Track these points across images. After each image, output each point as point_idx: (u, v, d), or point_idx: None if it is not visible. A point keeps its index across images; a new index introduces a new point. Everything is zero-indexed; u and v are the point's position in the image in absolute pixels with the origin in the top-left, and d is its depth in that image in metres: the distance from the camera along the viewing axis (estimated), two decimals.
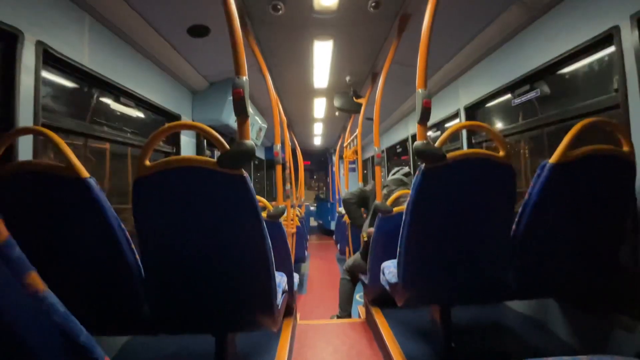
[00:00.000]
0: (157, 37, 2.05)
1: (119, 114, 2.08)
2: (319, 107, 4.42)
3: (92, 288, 1.12)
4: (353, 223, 2.69)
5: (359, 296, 3.28)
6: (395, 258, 1.37)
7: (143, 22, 1.87)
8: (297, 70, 3.10)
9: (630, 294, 1.26)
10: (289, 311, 2.07)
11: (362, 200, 2.65)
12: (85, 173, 0.97)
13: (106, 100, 1.95)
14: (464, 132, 2.59)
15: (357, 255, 2.62)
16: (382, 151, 5.34)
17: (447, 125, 3.05)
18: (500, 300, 1.98)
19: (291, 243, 2.86)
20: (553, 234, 1.26)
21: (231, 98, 1.08)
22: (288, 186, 3.36)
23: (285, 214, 2.44)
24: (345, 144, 5.03)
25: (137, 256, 1.10)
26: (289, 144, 3.20)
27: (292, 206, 3.95)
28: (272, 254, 1.12)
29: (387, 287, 1.58)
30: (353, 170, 7.20)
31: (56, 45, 1.40)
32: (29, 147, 1.25)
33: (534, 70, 1.78)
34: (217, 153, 1.00)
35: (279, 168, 2.13)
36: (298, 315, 2.72)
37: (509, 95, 2.14)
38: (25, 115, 1.23)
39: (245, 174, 0.99)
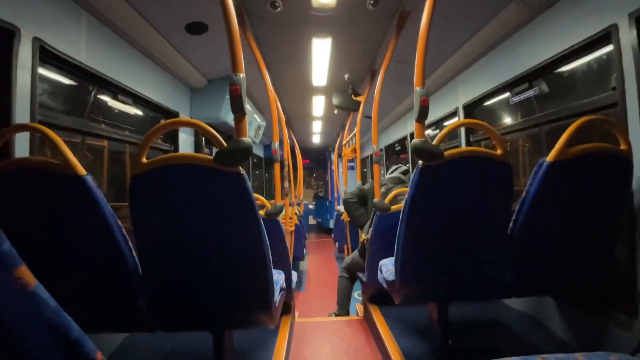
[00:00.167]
0: (155, 34, 2.04)
1: (116, 111, 2.08)
2: (318, 105, 4.42)
3: (89, 285, 1.13)
4: (355, 223, 2.70)
5: (357, 294, 3.29)
6: (393, 256, 1.38)
7: (141, 19, 1.86)
8: (296, 68, 3.09)
9: (626, 292, 1.26)
10: (287, 309, 2.08)
11: (362, 199, 2.66)
12: (82, 170, 0.97)
13: (104, 97, 1.95)
14: (463, 130, 2.59)
15: (356, 253, 2.63)
16: (381, 149, 5.34)
17: (446, 123, 3.06)
18: (497, 298, 1.99)
19: (290, 241, 2.86)
20: (550, 231, 1.26)
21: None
22: (286, 184, 3.36)
23: (283, 212, 2.44)
24: (344, 142, 5.02)
25: (135, 253, 1.10)
26: (287, 142, 3.19)
27: (291, 204, 3.96)
28: (270, 251, 1.12)
29: (385, 285, 1.59)
30: (352, 168, 7.20)
31: (53, 42, 1.39)
32: (25, 145, 1.25)
33: (533, 69, 1.78)
34: (215, 150, 1.00)
35: (277, 166, 2.13)
36: (296, 313, 2.73)
37: (507, 94, 2.14)
38: (21, 112, 1.23)
39: (243, 171, 0.99)
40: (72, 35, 1.52)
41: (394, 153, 5.12)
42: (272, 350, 1.68)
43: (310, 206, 9.25)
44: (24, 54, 1.25)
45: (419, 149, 1.14)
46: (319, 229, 9.24)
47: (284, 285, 1.53)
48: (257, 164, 6.37)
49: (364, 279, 2.26)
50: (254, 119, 3.92)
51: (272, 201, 1.95)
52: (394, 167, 2.63)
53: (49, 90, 1.55)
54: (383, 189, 2.35)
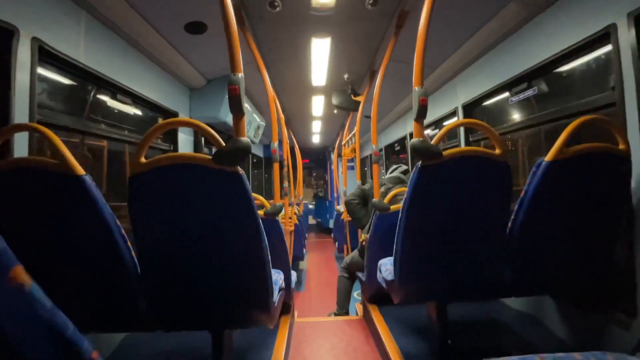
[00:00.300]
0: (154, 34, 2.04)
1: (116, 111, 2.08)
2: (317, 104, 4.42)
3: (88, 285, 1.12)
4: (358, 223, 2.69)
5: (357, 294, 3.29)
6: (392, 256, 1.38)
7: (140, 18, 1.86)
8: (295, 68, 3.09)
9: (625, 291, 1.26)
10: (287, 308, 2.08)
11: (363, 200, 2.65)
12: (80, 170, 0.97)
13: (103, 97, 1.95)
14: (462, 130, 2.59)
15: (355, 252, 2.63)
16: (380, 149, 5.34)
17: (445, 123, 3.06)
18: (496, 297, 1.99)
19: (289, 241, 2.86)
20: (549, 231, 1.27)
21: None
22: (286, 184, 3.36)
23: (283, 212, 2.44)
24: (343, 142, 5.02)
25: (134, 253, 1.10)
26: (287, 141, 3.19)
27: (290, 204, 3.95)
28: (269, 251, 1.12)
29: (384, 285, 1.59)
30: (352, 168, 7.20)
31: (52, 42, 1.39)
32: (24, 144, 1.25)
33: (532, 68, 1.78)
34: (214, 150, 1.00)
35: (276, 166, 2.13)
36: (296, 313, 2.73)
37: (507, 94, 2.14)
38: (20, 112, 1.23)
39: (241, 171, 0.99)
40: (71, 35, 1.52)
41: (394, 153, 5.12)
42: (271, 350, 1.68)
43: (310, 206, 9.26)
44: (23, 54, 1.25)
45: (418, 148, 1.14)
46: (318, 228, 9.25)
47: (283, 285, 1.53)
48: (256, 164, 6.37)
49: (363, 279, 2.26)
50: (253, 119, 3.92)
51: (271, 201, 1.94)
52: (395, 166, 2.62)
53: (48, 90, 1.55)
54: (382, 189, 2.34)
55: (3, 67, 1.19)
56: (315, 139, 7.38)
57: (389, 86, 3.06)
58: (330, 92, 3.57)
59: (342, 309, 2.72)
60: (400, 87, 3.32)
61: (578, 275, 1.35)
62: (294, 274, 1.93)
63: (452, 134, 2.83)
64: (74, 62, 1.53)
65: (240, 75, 1.06)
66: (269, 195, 6.24)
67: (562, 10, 1.57)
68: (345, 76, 3.23)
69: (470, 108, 2.53)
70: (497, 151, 1.20)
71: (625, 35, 1.26)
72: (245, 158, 1.07)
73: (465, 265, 1.31)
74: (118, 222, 1.05)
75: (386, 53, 2.09)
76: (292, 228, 3.60)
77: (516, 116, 2.15)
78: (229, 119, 2.92)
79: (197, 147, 3.01)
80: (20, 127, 1.16)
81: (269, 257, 1.12)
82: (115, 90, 1.94)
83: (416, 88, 1.22)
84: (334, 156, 6.37)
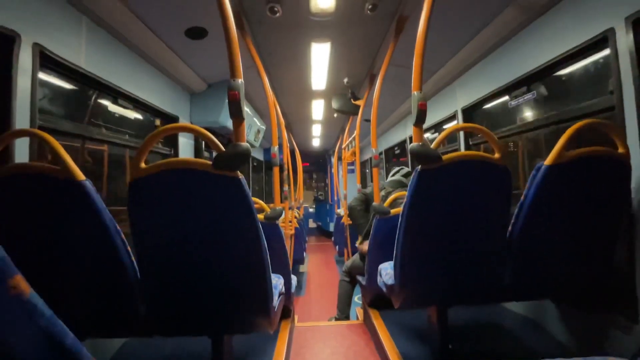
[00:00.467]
0: (155, 39, 2.05)
1: (117, 116, 2.08)
2: (317, 108, 4.43)
3: (88, 290, 1.12)
4: (358, 229, 2.67)
5: (357, 298, 3.28)
6: (392, 260, 1.38)
7: (141, 24, 1.87)
8: (295, 72, 3.11)
9: (626, 295, 1.26)
10: (287, 313, 2.07)
11: (366, 204, 2.63)
12: (81, 175, 0.97)
13: (104, 102, 1.95)
14: (462, 134, 2.59)
15: (356, 256, 2.62)
16: (380, 153, 5.35)
17: (444, 127, 3.06)
18: (496, 301, 1.98)
19: (289, 245, 2.86)
20: (549, 235, 1.26)
21: None
22: (286, 187, 3.36)
23: (283, 216, 2.43)
24: (343, 146, 5.03)
25: (133, 258, 1.10)
26: (287, 145, 3.20)
27: (291, 208, 3.95)
28: (269, 255, 1.12)
29: (384, 289, 1.58)
30: (352, 171, 7.20)
31: (53, 48, 1.40)
32: (25, 150, 1.25)
33: (530, 72, 1.79)
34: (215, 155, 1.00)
35: (276, 170, 2.13)
36: (296, 317, 2.72)
37: (506, 97, 2.15)
38: (21, 117, 1.23)
39: (241, 175, 1.00)
40: (72, 40, 1.53)
41: (394, 156, 5.13)
42: (271, 355, 1.67)
43: (310, 209, 9.25)
44: (24, 60, 1.26)
45: (417, 152, 1.14)
46: (319, 232, 9.23)
47: (284, 289, 1.52)
48: (256, 168, 6.37)
49: (364, 283, 2.25)
50: (253, 123, 3.93)
51: (271, 205, 1.94)
52: (397, 168, 2.59)
53: (49, 95, 1.56)
54: (383, 193, 2.34)
55: (4, 73, 1.20)
56: (316, 143, 7.39)
57: (389, 90, 3.07)
58: (330, 96, 3.59)
59: (343, 313, 2.70)
60: (399, 91, 3.33)
61: (579, 278, 1.35)
62: (294, 278, 1.93)
63: (451, 137, 2.83)
64: (75, 68, 1.54)
65: (240, 80, 1.06)
66: (269, 199, 6.25)
67: (560, 15, 1.58)
68: (345, 80, 3.25)
69: (470, 112, 2.53)
70: (497, 155, 1.20)
71: (624, 39, 1.26)
72: (245, 163, 1.07)
73: (465, 269, 1.31)
74: (118, 227, 1.05)
75: (385, 57, 2.10)
76: (293, 232, 3.60)
77: (515, 120, 2.16)
78: (229, 123, 2.92)
79: (197, 152, 3.01)
80: (21, 133, 1.16)
81: (269, 261, 1.12)
82: (116, 95, 1.95)
83: (415, 93, 1.22)
84: (334, 160, 6.38)
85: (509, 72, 1.98)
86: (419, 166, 1.16)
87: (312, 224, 9.31)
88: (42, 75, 1.40)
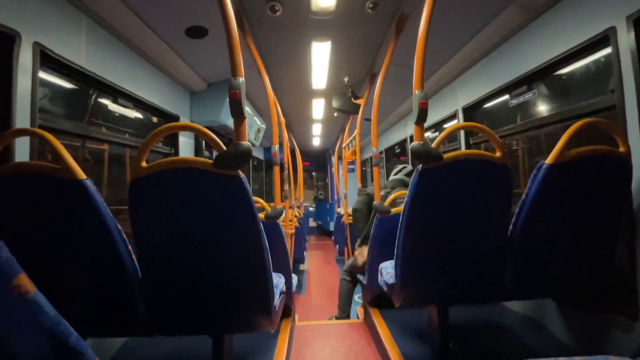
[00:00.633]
0: (155, 39, 2.05)
1: (117, 115, 2.08)
2: (318, 107, 4.43)
3: (89, 290, 1.12)
4: (357, 232, 2.65)
5: (358, 297, 3.28)
6: (393, 259, 1.38)
7: (141, 23, 1.87)
8: (296, 71, 3.11)
9: (627, 294, 1.26)
10: (288, 312, 2.07)
11: (369, 207, 2.60)
12: (81, 174, 0.97)
13: (104, 101, 1.95)
14: (462, 133, 2.59)
15: None
16: (381, 152, 5.34)
17: (445, 126, 3.06)
18: (497, 300, 1.98)
19: (290, 244, 2.86)
20: (550, 234, 1.26)
21: None
22: (286, 187, 3.36)
23: (283, 215, 2.43)
24: (344, 145, 5.03)
25: (134, 257, 1.10)
26: (287, 144, 3.20)
27: (291, 207, 3.95)
28: (270, 255, 1.12)
29: (385, 288, 1.59)
30: (352, 170, 7.20)
31: (53, 47, 1.40)
32: (25, 149, 1.25)
33: (531, 71, 1.79)
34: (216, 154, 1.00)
35: (276, 169, 2.13)
36: (297, 316, 2.72)
37: (507, 96, 2.15)
38: (22, 117, 1.23)
39: (242, 174, 0.99)
40: (72, 39, 1.53)
41: (394, 155, 5.13)
42: (272, 354, 1.67)
43: (311, 209, 9.25)
44: (25, 59, 1.26)
45: (418, 151, 1.14)
46: (319, 231, 9.23)
47: (284, 288, 1.52)
48: (257, 167, 6.38)
49: (364, 282, 2.25)
50: (254, 122, 3.92)
51: (272, 204, 1.94)
52: (400, 166, 2.56)
53: (50, 94, 1.56)
54: (382, 192, 2.33)
55: (5, 72, 1.20)
56: (316, 142, 7.39)
57: (389, 89, 3.07)
58: (330, 95, 3.58)
59: (344, 312, 2.70)
60: (400, 90, 3.33)
61: (579, 278, 1.35)
62: (294, 277, 1.93)
63: (452, 136, 2.83)
64: (75, 67, 1.53)
65: (241, 79, 1.06)
66: (269, 198, 6.25)
67: (561, 14, 1.58)
68: (346, 79, 3.24)
69: (471, 111, 2.53)
70: (498, 154, 1.20)
71: (625, 38, 1.26)
72: (246, 162, 1.07)
73: (466, 268, 1.31)
74: (119, 226, 1.05)
75: (386, 56, 2.10)
76: (293, 231, 3.60)
77: (516, 119, 2.16)
78: (229, 122, 2.93)
79: (198, 151, 3.01)
80: (22, 132, 1.16)
81: (270, 260, 1.12)
82: (117, 94, 1.95)
83: (416, 92, 1.22)
84: (334, 159, 6.38)
85: (509, 71, 1.97)
86: (420, 165, 1.16)
87: (312, 223, 9.31)
88: (42, 75, 1.40)
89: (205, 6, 1.82)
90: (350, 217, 4.12)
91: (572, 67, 1.65)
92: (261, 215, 1.61)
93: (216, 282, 1.12)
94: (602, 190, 1.22)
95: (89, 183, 0.98)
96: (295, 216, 4.16)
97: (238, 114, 1.05)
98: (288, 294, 1.74)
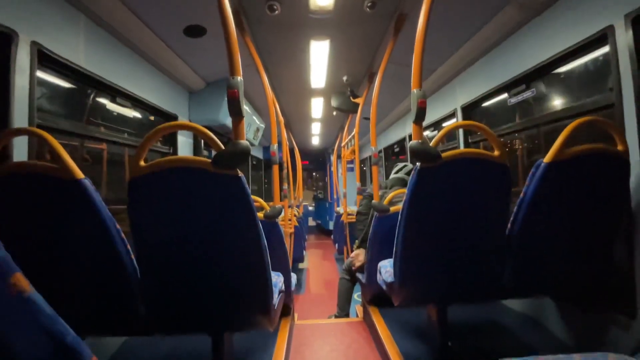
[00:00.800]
0: (154, 38, 2.04)
1: (115, 114, 2.08)
2: (317, 107, 4.43)
3: (88, 289, 1.12)
4: (355, 233, 2.63)
5: (357, 295, 3.28)
6: (392, 257, 1.38)
7: (139, 22, 1.87)
8: (294, 70, 3.10)
9: (625, 292, 1.26)
10: (287, 311, 2.07)
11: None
12: (79, 174, 0.97)
13: (102, 100, 1.95)
14: (461, 132, 2.59)
15: None
16: (380, 151, 5.34)
17: (444, 124, 3.06)
18: (496, 299, 1.99)
19: (289, 243, 2.86)
20: (548, 232, 1.27)
21: None
22: (286, 186, 3.36)
23: (282, 214, 2.43)
24: (343, 144, 5.03)
25: (133, 256, 1.10)
26: (286, 143, 3.20)
27: (290, 206, 3.94)
28: (269, 254, 1.12)
29: (384, 287, 1.59)
30: (351, 169, 7.20)
31: (51, 46, 1.39)
32: (23, 148, 1.25)
33: (530, 70, 1.79)
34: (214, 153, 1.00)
35: (275, 168, 2.13)
36: (296, 315, 2.72)
37: (505, 95, 2.15)
38: (19, 116, 1.23)
39: (241, 174, 0.99)
40: (70, 38, 1.53)
41: (393, 154, 5.13)
42: (271, 352, 1.67)
43: (310, 208, 9.25)
44: (22, 58, 1.25)
45: (417, 150, 1.14)
46: (318, 230, 9.24)
47: (283, 287, 1.53)
48: (256, 166, 6.38)
49: (364, 281, 2.26)
50: (252, 121, 3.92)
51: (271, 203, 1.94)
52: (401, 165, 2.55)
53: (48, 93, 1.56)
54: (380, 192, 2.33)
55: (2, 71, 1.19)
56: (315, 141, 7.39)
57: (388, 88, 3.07)
58: (329, 94, 3.58)
59: (343, 310, 2.71)
60: (399, 89, 3.33)
61: (578, 276, 1.35)
62: (294, 276, 1.93)
63: (451, 135, 2.83)
64: (73, 66, 1.53)
65: (240, 78, 1.06)
66: (268, 198, 6.25)
67: (559, 13, 1.58)
68: (344, 78, 3.24)
69: (469, 109, 2.53)
70: (496, 153, 1.20)
71: (623, 36, 1.26)
72: (244, 161, 1.07)
73: (465, 266, 1.31)
74: (117, 226, 1.05)
75: (385, 55, 2.10)
76: (292, 230, 3.60)
77: (515, 118, 2.16)
78: (228, 121, 2.93)
79: (196, 150, 3.01)
80: (20, 131, 1.16)
81: (269, 259, 1.12)
82: (115, 93, 1.94)
83: (415, 90, 1.22)
84: (333, 158, 6.38)
85: (508, 70, 1.97)
86: (419, 164, 1.16)
87: (311, 222, 9.32)
88: (40, 74, 1.40)
89: (203, 5, 1.82)
90: (350, 217, 4.14)
91: (570, 66, 1.65)
92: (260, 215, 1.61)
93: (215, 281, 1.12)
94: (601, 188, 1.22)
95: (87, 182, 0.98)
96: (295, 215, 4.16)
97: (236, 113, 1.05)
98: (287, 292, 1.75)
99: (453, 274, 1.33)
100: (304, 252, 5.14)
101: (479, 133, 2.44)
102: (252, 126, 3.93)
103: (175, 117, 2.59)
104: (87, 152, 2.02)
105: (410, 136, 3.20)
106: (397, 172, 2.51)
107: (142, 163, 0.99)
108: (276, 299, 1.31)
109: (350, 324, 2.32)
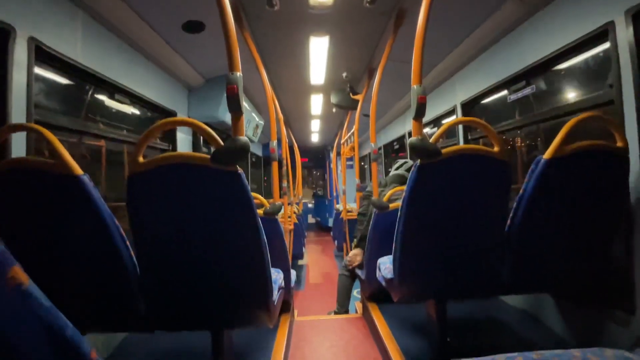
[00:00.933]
0: (152, 33, 2.03)
1: (114, 111, 2.07)
2: (316, 103, 4.41)
3: (87, 285, 1.12)
4: (355, 232, 2.63)
5: (356, 292, 3.30)
6: (391, 254, 1.38)
7: (137, 18, 1.85)
8: (294, 67, 3.09)
9: (623, 288, 1.27)
10: (286, 307, 2.08)
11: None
12: (78, 170, 0.96)
13: (101, 97, 1.94)
14: (461, 128, 2.59)
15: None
16: (379, 148, 5.34)
17: (444, 121, 3.06)
18: (494, 295, 2.00)
19: (288, 240, 2.86)
20: (548, 228, 1.27)
21: None
22: (285, 183, 3.35)
23: (282, 211, 2.43)
24: (342, 141, 5.02)
25: (132, 253, 1.10)
26: (286, 140, 3.19)
27: (290, 203, 3.94)
28: (269, 250, 1.12)
29: (383, 283, 1.59)
30: (351, 166, 7.20)
31: (49, 42, 1.38)
32: (22, 145, 1.25)
33: (530, 66, 1.79)
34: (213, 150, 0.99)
35: (275, 165, 2.13)
36: (295, 312, 2.73)
37: (505, 92, 2.15)
38: (17, 112, 1.22)
39: (240, 170, 0.99)
40: (68, 34, 1.52)
41: (393, 151, 5.13)
42: (271, 348, 1.68)
43: (309, 205, 9.26)
44: (20, 54, 1.24)
45: (416, 147, 1.14)
46: (318, 227, 9.25)
47: (283, 284, 1.53)
48: (255, 163, 6.37)
49: (363, 277, 2.26)
50: (252, 118, 3.91)
51: (270, 200, 1.94)
52: (401, 161, 2.53)
53: (46, 89, 1.55)
54: (380, 190, 2.33)
55: (0, 67, 1.19)
56: (314, 138, 7.37)
57: (388, 84, 3.06)
58: (328, 90, 3.57)
59: (342, 307, 2.72)
60: (398, 86, 3.31)
61: (577, 272, 1.36)
62: (293, 273, 1.93)
63: (450, 132, 2.83)
64: (71, 62, 1.52)
65: (239, 74, 1.05)
66: (268, 195, 6.25)
67: (560, 8, 1.57)
68: (344, 75, 3.23)
69: (469, 106, 2.53)
70: (496, 149, 1.20)
71: (624, 32, 1.26)
72: (244, 157, 1.06)
73: (464, 263, 1.32)
74: (117, 222, 1.05)
75: (384, 51, 2.09)
76: (292, 227, 3.60)
77: (515, 114, 2.16)
78: (227, 118, 2.92)
79: (195, 147, 3.00)
80: (18, 127, 1.15)
81: (269, 256, 1.12)
82: (113, 89, 1.94)
83: (415, 86, 1.22)
84: (333, 155, 6.37)
85: (508, 66, 1.97)
86: (418, 160, 1.16)
87: (311, 219, 9.33)
88: (38, 70, 1.39)
89: (202, 1, 1.80)
90: (349, 214, 4.14)
91: (570, 62, 1.65)
92: (260, 212, 1.61)
93: (215, 278, 1.12)
94: (600, 185, 1.22)
95: (86, 179, 0.98)
96: (294, 212, 4.16)
97: (236, 109, 1.04)
98: (287, 289, 1.75)
99: (452, 270, 1.33)
100: (304, 248, 5.15)
101: (478, 130, 2.44)
102: (251, 123, 3.92)
103: (173, 114, 2.58)
104: (86, 149, 2.02)
105: (410, 133, 3.19)
106: (397, 169, 2.50)
107: (141, 159, 0.99)
108: (276, 295, 1.32)
109: (349, 320, 2.33)
